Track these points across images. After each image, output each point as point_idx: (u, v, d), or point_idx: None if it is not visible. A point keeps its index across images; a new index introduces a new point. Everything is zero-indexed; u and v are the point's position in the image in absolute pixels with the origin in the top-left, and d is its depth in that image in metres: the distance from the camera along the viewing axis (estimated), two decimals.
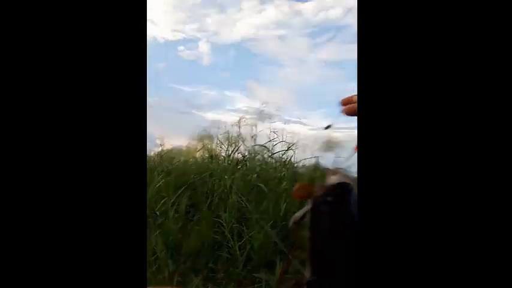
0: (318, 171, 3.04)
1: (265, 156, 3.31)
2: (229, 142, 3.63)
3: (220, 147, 3.73)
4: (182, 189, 2.71)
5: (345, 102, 0.42)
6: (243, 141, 3.54)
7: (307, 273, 0.29)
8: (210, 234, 2.26)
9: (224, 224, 2.32)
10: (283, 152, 3.35)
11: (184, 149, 3.95)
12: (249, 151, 3.40)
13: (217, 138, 3.82)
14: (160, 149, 3.61)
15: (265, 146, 3.37)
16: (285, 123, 3.70)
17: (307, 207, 0.35)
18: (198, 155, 3.67)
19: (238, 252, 2.18)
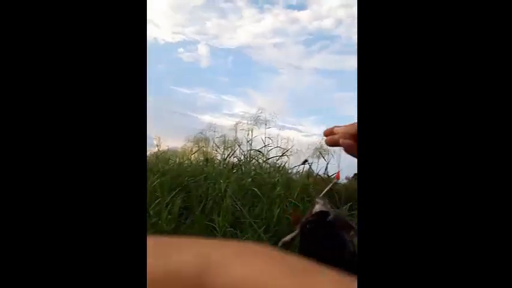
0: (310, 177, 3.09)
1: (260, 161, 3.36)
2: (225, 146, 3.67)
3: (216, 150, 3.77)
4: (176, 190, 2.73)
5: (327, 134, 0.45)
6: (239, 146, 3.59)
7: None
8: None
9: (217, 228, 2.36)
10: (277, 157, 3.41)
11: (180, 150, 3.98)
12: (244, 155, 3.45)
13: (213, 142, 3.88)
14: (156, 149, 3.64)
15: (260, 151, 3.41)
16: (279, 129, 3.77)
17: (296, 232, 0.39)
18: (193, 157, 3.71)
19: None
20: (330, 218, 0.38)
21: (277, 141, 3.56)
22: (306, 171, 3.23)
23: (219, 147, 3.74)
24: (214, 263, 0.13)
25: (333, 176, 2.91)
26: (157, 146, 3.68)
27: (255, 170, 3.13)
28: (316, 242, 0.37)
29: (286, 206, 2.56)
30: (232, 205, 2.52)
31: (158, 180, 2.77)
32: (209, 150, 3.77)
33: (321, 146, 3.47)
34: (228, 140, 3.69)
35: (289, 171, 3.29)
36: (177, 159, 3.69)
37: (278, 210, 2.46)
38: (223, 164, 3.34)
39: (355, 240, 0.35)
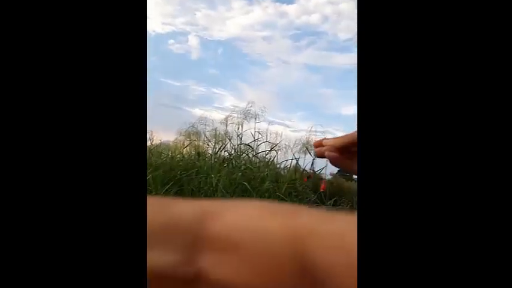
0: (297, 173, 3.25)
1: (250, 155, 3.48)
2: (216, 140, 3.77)
3: (207, 144, 3.87)
4: (170, 184, 2.84)
5: (316, 145, 0.48)
6: (229, 139, 3.69)
7: None
8: None
9: None
10: (266, 152, 3.54)
11: (172, 144, 4.06)
12: (234, 149, 3.56)
13: (205, 135, 3.97)
14: (149, 143, 3.71)
15: (250, 146, 3.53)
16: (269, 124, 3.88)
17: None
18: (185, 151, 3.80)
19: None
20: None
21: (266, 135, 3.69)
22: (293, 167, 3.39)
23: (210, 141, 3.84)
24: (210, 212, 0.14)
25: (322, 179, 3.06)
26: (149, 140, 3.76)
27: (245, 164, 3.26)
28: None
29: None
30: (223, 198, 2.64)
31: (151, 174, 2.87)
32: (200, 144, 3.87)
33: (308, 142, 3.63)
34: (219, 134, 3.80)
35: (278, 165, 3.43)
36: (170, 153, 3.78)
37: None
38: (215, 158, 3.45)
39: None
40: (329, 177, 3.84)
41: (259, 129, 3.68)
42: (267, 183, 2.88)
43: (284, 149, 3.61)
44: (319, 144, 0.47)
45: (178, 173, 3.08)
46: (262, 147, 3.59)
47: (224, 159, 3.45)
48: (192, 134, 3.95)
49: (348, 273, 0.11)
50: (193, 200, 0.15)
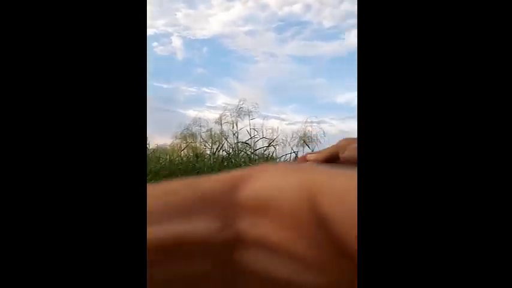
0: None
1: (249, 153, 3.50)
2: (212, 140, 3.77)
3: (204, 145, 3.87)
4: None
5: (299, 160, 0.49)
6: (226, 139, 3.70)
7: None
8: None
9: None
10: (264, 148, 3.56)
11: (168, 148, 4.05)
12: (232, 148, 3.57)
13: (201, 137, 3.96)
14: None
15: (247, 143, 3.55)
16: (263, 119, 3.90)
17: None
18: (183, 154, 3.79)
19: None
20: None
21: (262, 132, 3.70)
22: (292, 161, 3.43)
23: (206, 142, 3.84)
24: (240, 179, 0.15)
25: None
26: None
27: (244, 162, 3.27)
28: None
29: None
30: None
31: (152, 180, 2.86)
32: (197, 145, 3.87)
33: (304, 134, 3.66)
34: (215, 134, 3.80)
35: (278, 160, 3.46)
36: (168, 157, 3.77)
37: None
38: (213, 158, 3.46)
39: None
40: None
41: (254, 125, 3.70)
42: None
43: (282, 143, 3.64)
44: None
45: (179, 176, 3.08)
46: (260, 144, 3.61)
47: (223, 159, 3.46)
48: (188, 136, 3.95)
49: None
50: (221, 173, 0.16)
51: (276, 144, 3.61)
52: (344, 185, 0.13)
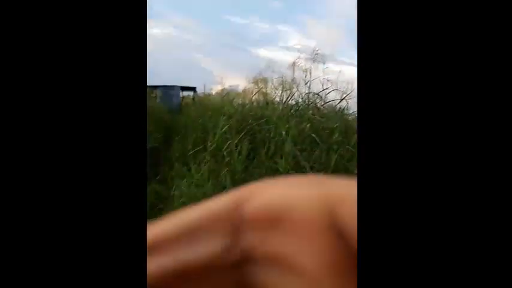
0: None
1: (319, 105, 3.46)
2: (283, 88, 3.78)
3: (274, 92, 3.91)
4: (243, 133, 3.06)
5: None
6: (297, 87, 3.67)
7: None
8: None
9: (281, 170, 2.69)
10: (337, 101, 3.47)
11: (240, 91, 4.21)
12: (302, 98, 3.56)
13: (272, 82, 3.99)
14: (219, 87, 3.88)
15: (319, 95, 3.49)
16: (338, 64, 3.68)
17: None
18: (253, 98, 3.92)
19: None
20: None
21: (337, 83, 3.57)
22: None
23: (277, 89, 3.88)
24: (243, 196, 0.14)
25: None
26: (220, 84, 3.91)
27: (313, 114, 3.28)
28: None
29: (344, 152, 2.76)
30: (292, 149, 2.78)
31: (227, 124, 3.10)
32: (268, 91, 3.93)
33: None
34: (286, 82, 3.79)
35: (350, 117, 3.37)
36: (240, 100, 3.94)
37: (336, 157, 2.68)
38: (283, 107, 3.52)
39: None
40: None
41: (328, 73, 3.56)
42: (336, 135, 2.91)
43: (355, 98, 3.49)
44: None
45: (249, 121, 3.26)
46: (332, 96, 3.52)
47: (291, 108, 3.49)
48: (260, 81, 4.01)
49: None
50: (220, 194, 0.15)
51: (349, 99, 3.49)
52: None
